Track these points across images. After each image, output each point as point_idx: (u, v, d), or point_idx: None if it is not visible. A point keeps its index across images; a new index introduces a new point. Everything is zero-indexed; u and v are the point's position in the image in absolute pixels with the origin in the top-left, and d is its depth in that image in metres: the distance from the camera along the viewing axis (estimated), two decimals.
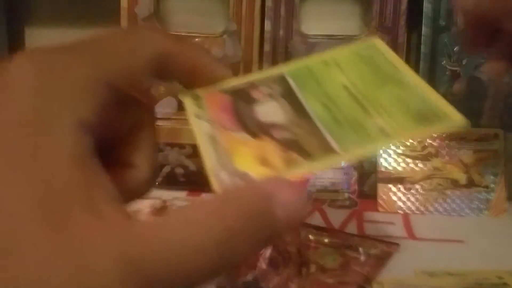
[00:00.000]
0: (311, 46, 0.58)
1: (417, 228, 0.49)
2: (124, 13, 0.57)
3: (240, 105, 0.23)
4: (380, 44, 0.25)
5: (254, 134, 0.22)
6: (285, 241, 0.34)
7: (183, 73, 0.23)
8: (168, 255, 0.16)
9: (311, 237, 0.41)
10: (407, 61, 0.60)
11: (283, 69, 0.25)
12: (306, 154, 0.20)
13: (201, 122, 0.22)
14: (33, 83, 0.17)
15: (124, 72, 0.20)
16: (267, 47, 0.58)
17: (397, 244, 0.44)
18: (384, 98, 0.22)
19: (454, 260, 0.42)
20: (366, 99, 0.22)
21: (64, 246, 0.15)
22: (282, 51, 0.58)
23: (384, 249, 0.42)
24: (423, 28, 0.57)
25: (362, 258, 0.39)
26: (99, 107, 0.19)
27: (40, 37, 0.65)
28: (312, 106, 0.23)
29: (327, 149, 0.21)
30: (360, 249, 0.40)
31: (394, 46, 0.57)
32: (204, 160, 0.21)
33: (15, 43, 0.65)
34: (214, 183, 0.20)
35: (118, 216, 0.17)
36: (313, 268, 0.36)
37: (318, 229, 0.44)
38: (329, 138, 0.21)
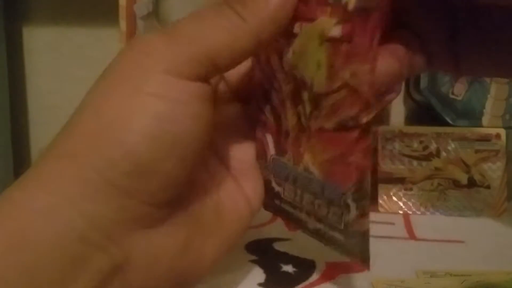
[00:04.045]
0: None
1: (418, 229, 0.49)
2: (122, 11, 0.56)
3: None
4: None
5: None
6: None
7: None
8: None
9: None
10: None
11: None
12: None
13: None
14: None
15: None
16: None
17: None
18: None
19: (455, 261, 0.42)
20: None
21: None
22: None
23: None
24: None
25: None
26: None
27: (38, 36, 0.65)
28: None
29: None
30: None
31: None
32: None
33: (12, 42, 0.65)
34: None
35: None
36: None
37: None
38: None
